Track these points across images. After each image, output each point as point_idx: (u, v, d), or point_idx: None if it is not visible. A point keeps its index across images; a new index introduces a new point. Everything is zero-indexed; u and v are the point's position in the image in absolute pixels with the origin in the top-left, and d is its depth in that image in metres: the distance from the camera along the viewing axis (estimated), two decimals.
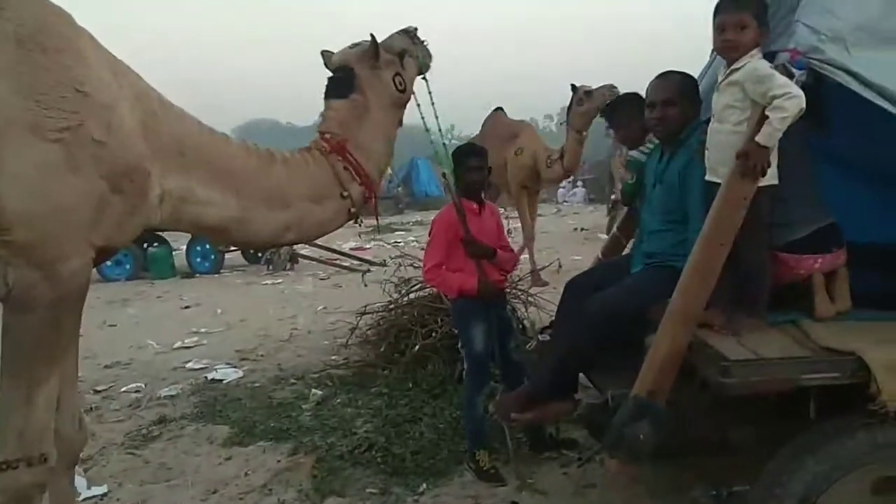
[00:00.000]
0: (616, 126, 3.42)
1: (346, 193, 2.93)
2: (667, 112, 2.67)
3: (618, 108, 3.37)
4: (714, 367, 1.99)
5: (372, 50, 3.01)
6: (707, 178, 2.36)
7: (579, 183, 26.20)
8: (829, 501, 2.00)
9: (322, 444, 4.07)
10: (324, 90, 3.07)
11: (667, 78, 2.76)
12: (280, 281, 10.95)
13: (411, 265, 6.02)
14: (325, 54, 3.15)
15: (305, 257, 11.97)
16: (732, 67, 2.20)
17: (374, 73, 3.04)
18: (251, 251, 12.34)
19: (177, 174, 2.50)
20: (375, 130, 3.07)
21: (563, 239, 13.44)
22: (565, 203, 24.26)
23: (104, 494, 3.62)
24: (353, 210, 3.01)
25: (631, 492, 3.29)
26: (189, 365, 6.10)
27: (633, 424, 2.14)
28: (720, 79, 2.29)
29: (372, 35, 3.03)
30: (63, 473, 2.65)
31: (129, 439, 4.39)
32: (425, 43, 3.23)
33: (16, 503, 2.23)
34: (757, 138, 2.08)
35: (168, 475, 3.85)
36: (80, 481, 3.78)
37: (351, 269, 11.32)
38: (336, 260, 11.84)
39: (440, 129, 3.38)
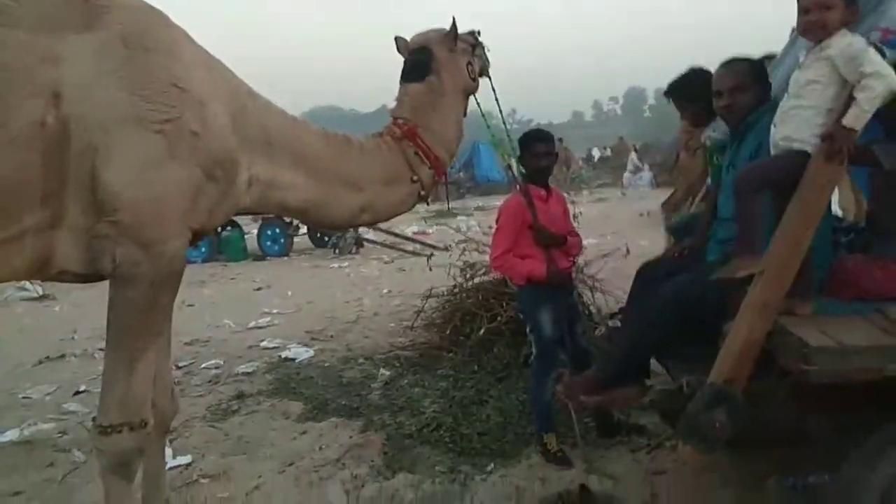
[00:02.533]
0: (682, 107, 3.35)
1: (416, 177, 3.01)
2: (734, 99, 2.62)
3: (683, 88, 3.26)
4: (795, 355, 1.95)
5: (452, 33, 3.07)
6: (777, 149, 2.29)
7: (646, 166, 25.61)
8: None
9: (391, 422, 4.18)
10: (401, 72, 3.13)
11: (731, 65, 2.69)
12: (346, 264, 11.19)
13: (476, 250, 6.06)
14: (399, 40, 3.21)
15: (370, 241, 12.18)
16: (823, 44, 2.12)
17: (451, 56, 3.10)
18: (319, 235, 12.68)
19: (264, 161, 2.64)
20: (447, 114, 3.12)
21: (629, 224, 13.17)
22: (630, 188, 23.74)
23: (189, 464, 3.81)
24: (423, 193, 3.09)
25: (702, 480, 3.27)
26: (263, 344, 6.34)
27: (709, 412, 2.13)
28: (804, 56, 2.21)
29: (453, 18, 3.09)
30: (156, 441, 2.83)
31: (209, 413, 4.62)
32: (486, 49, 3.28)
33: (118, 465, 2.42)
34: (843, 120, 2.01)
35: (246, 448, 4.03)
36: (166, 451, 4.03)
37: (415, 254, 11.44)
38: (400, 244, 11.99)
39: (504, 120, 3.40)
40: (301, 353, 5.89)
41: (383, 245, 12.02)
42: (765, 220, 2.16)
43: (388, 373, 5.11)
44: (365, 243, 12.27)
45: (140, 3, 2.41)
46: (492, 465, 3.54)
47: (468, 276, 5.72)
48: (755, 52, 2.87)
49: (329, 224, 3.01)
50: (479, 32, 3.31)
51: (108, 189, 2.19)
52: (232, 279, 10.52)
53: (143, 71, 2.27)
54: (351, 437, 4.04)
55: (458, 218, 17.58)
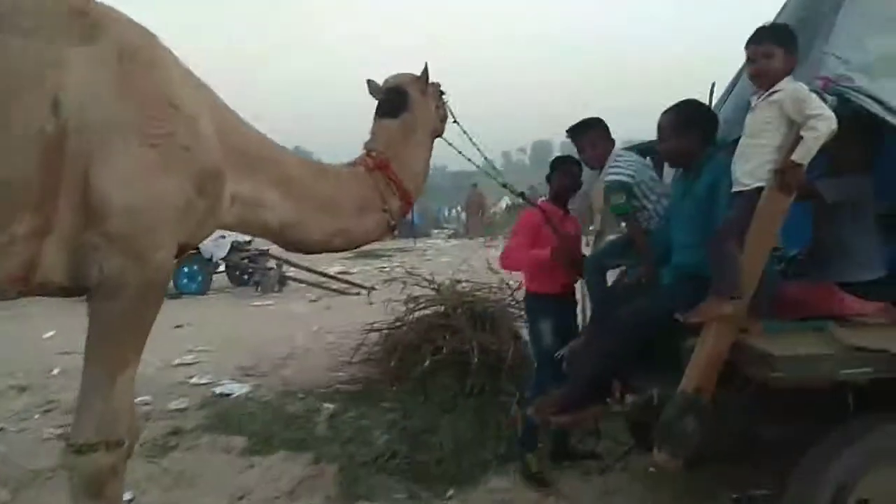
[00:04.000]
0: (582, 148, 3.56)
1: (386, 208, 3.12)
2: (681, 142, 2.88)
3: (585, 131, 3.51)
4: (761, 364, 2.17)
5: (424, 76, 3.24)
6: (733, 189, 2.54)
7: None
8: (864, 487, 2.18)
9: (342, 453, 4.14)
10: (376, 109, 3.26)
11: (675, 111, 2.95)
12: (270, 302, 10.96)
13: (416, 285, 6.15)
14: (371, 82, 3.36)
15: (295, 280, 12.00)
16: (770, 90, 2.42)
17: (423, 99, 3.26)
18: (239, 273, 12.41)
19: (245, 180, 2.68)
20: (417, 151, 3.28)
21: None
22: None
23: (130, 500, 3.63)
24: (392, 223, 3.20)
25: (654, 497, 3.44)
26: (193, 380, 6.11)
27: (681, 419, 2.31)
28: (755, 100, 2.51)
29: (426, 63, 3.26)
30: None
31: (145, 449, 4.38)
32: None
33: (92, 486, 2.33)
34: (793, 157, 2.29)
35: (190, 482, 3.89)
36: None
37: (340, 292, 11.38)
38: (325, 282, 11.88)
39: (485, 158, 3.60)
40: (235, 388, 5.72)
41: (308, 283, 11.86)
42: (736, 262, 2.37)
43: (332, 406, 5.06)
44: (289, 282, 12.08)
45: (134, 22, 2.44)
46: (451, 490, 3.60)
47: (411, 307, 5.78)
48: (662, 100, 3.14)
49: (303, 247, 3.05)
50: (439, 85, 3.48)
51: (101, 197, 2.18)
52: None
53: (139, 86, 2.30)
54: (301, 469, 3.97)
55: (380, 258, 17.65)
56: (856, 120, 2.38)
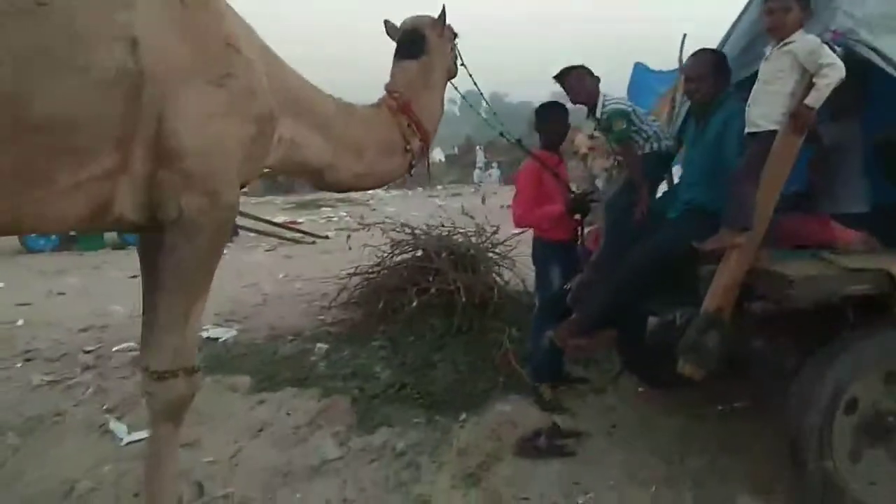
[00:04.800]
0: (570, 86, 3.68)
1: (408, 147, 3.25)
2: (703, 84, 3.16)
3: (570, 71, 3.68)
4: (780, 284, 2.49)
5: (441, 19, 3.33)
6: (747, 130, 2.84)
7: (494, 164, 27.00)
8: (855, 390, 2.57)
9: (347, 388, 4.33)
10: (395, 50, 3.33)
11: (699, 56, 3.25)
12: (224, 253, 10.81)
13: (393, 229, 6.30)
14: (388, 23, 3.42)
15: (247, 230, 11.87)
16: (785, 41, 2.69)
17: (440, 41, 3.36)
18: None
19: (289, 120, 2.76)
20: (434, 93, 3.40)
21: (498, 214, 13.97)
22: (482, 183, 24.91)
23: (144, 439, 3.71)
24: (413, 162, 3.34)
25: (647, 410, 3.83)
26: None
27: (705, 335, 2.62)
28: (769, 50, 2.78)
29: (443, 6, 3.34)
30: None
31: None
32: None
33: (170, 411, 2.46)
34: (806, 101, 2.59)
35: (204, 419, 3.98)
36: (118, 427, 3.90)
37: (295, 241, 11.37)
38: (279, 232, 11.83)
39: (488, 104, 3.75)
40: (221, 332, 5.79)
41: (261, 233, 11.77)
42: (752, 198, 2.66)
43: (325, 346, 5.22)
44: (240, 232, 11.93)
45: None
46: (464, 414, 3.86)
47: (395, 252, 5.94)
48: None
49: (337, 186, 3.16)
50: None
51: (175, 137, 2.23)
52: (96, 268, 9.79)
53: (202, 28, 2.33)
54: (313, 403, 4.14)
55: (322, 209, 17.58)
56: (851, 69, 2.68)
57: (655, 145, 3.52)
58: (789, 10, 2.69)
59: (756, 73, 2.99)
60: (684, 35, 6.36)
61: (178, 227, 2.34)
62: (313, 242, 10.91)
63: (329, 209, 17.33)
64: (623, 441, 3.47)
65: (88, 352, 5.40)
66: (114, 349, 5.44)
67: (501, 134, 4.04)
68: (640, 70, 12.11)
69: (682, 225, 3.13)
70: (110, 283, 8.44)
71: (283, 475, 3.28)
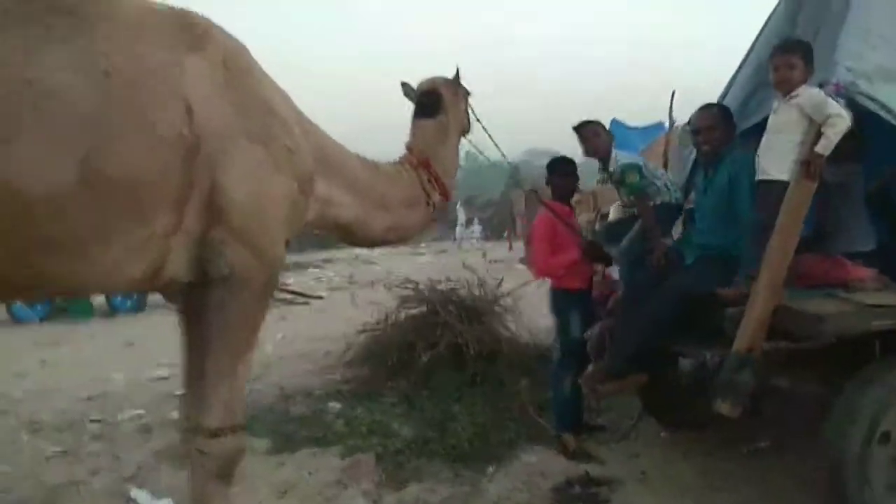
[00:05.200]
0: (586, 138, 3.90)
1: (430, 201, 3.38)
2: (711, 136, 3.35)
3: (587, 125, 3.92)
4: (810, 322, 2.61)
5: (456, 80, 3.52)
6: (759, 177, 3.02)
7: (475, 220, 27.33)
8: (887, 421, 2.67)
9: (369, 445, 4.30)
10: (413, 110, 3.50)
11: (707, 109, 3.46)
12: None
13: (398, 286, 6.37)
14: (406, 85, 3.60)
15: None
16: (791, 95, 2.89)
17: (455, 100, 3.54)
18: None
19: (323, 180, 2.88)
20: (451, 149, 3.57)
21: (488, 268, 14.13)
22: (463, 240, 25.16)
23: None
24: (433, 216, 3.47)
25: (672, 454, 3.87)
26: (179, 391, 6.02)
27: (738, 373, 2.72)
28: (776, 104, 2.98)
29: (457, 67, 3.53)
30: None
31: (165, 457, 4.39)
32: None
33: (223, 468, 2.48)
34: (816, 148, 2.77)
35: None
36: (140, 494, 3.84)
37: (288, 302, 11.35)
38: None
39: (504, 156, 3.91)
40: None
41: None
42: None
43: (338, 405, 5.19)
44: None
45: (227, 33, 2.59)
46: (491, 467, 3.86)
47: (402, 307, 5.99)
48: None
49: (365, 242, 3.27)
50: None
51: (226, 196, 2.32)
52: (91, 336, 9.65)
53: (244, 92, 2.46)
54: (336, 462, 4.11)
55: (310, 270, 17.56)
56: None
57: (666, 196, 3.71)
58: (794, 67, 2.91)
59: (757, 124, 3.19)
60: (673, 91, 6.70)
61: (227, 284, 2.40)
62: (306, 303, 10.90)
63: (317, 269, 17.35)
64: (653, 486, 3.50)
65: (95, 421, 5.30)
66: (120, 417, 5.36)
67: (517, 183, 4.18)
68: (616, 126, 12.64)
69: (701, 269, 3.27)
70: (105, 351, 8.33)
71: None
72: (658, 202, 3.73)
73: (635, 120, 12.79)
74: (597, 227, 5.44)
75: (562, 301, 4.06)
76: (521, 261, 15.35)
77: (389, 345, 5.82)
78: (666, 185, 3.77)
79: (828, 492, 2.75)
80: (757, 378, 2.73)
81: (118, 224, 2.13)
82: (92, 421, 5.31)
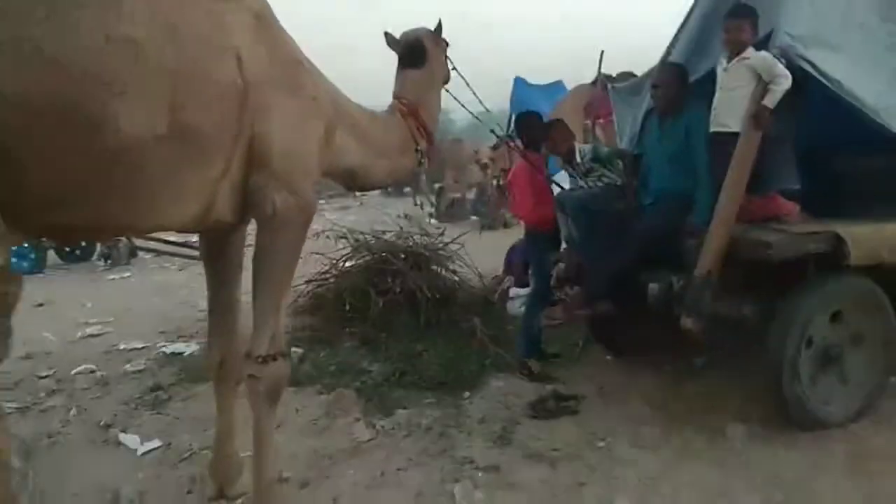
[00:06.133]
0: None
1: (418, 147, 3.63)
2: (670, 91, 3.83)
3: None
4: (760, 248, 3.17)
5: (439, 31, 3.73)
6: (713, 129, 3.54)
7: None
8: (812, 328, 3.30)
9: (344, 383, 4.55)
10: (399, 60, 3.68)
11: (669, 67, 3.94)
12: (128, 275, 10.40)
13: (343, 237, 6.55)
14: (388, 35, 3.77)
15: (146, 249, 11.38)
16: (741, 56, 3.40)
17: (437, 51, 3.75)
18: (68, 250, 11.52)
19: (337, 128, 3.05)
20: (435, 98, 3.80)
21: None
22: (364, 196, 25.01)
23: (167, 445, 3.78)
24: (421, 161, 3.72)
25: (622, 373, 4.44)
26: (122, 346, 5.96)
27: (701, 293, 3.24)
28: (726, 63, 3.49)
29: (439, 20, 3.74)
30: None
31: (140, 404, 4.43)
32: None
33: (273, 391, 2.72)
34: (764, 102, 3.29)
35: (209, 425, 4.05)
36: (130, 438, 3.91)
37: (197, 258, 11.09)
38: (181, 251, 11.43)
39: (481, 101, 4.20)
40: (182, 347, 5.74)
41: (161, 253, 11.32)
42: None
43: (299, 350, 5.36)
44: (139, 253, 11.45)
45: None
46: (466, 393, 4.25)
47: (352, 257, 6.20)
48: None
49: (367, 186, 3.47)
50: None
51: (267, 142, 2.50)
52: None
53: (276, 43, 2.63)
54: (319, 398, 4.34)
55: None
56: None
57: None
58: (743, 31, 3.41)
59: (698, 80, 3.70)
60: (602, 52, 7.20)
61: (270, 224, 2.60)
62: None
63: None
64: (613, 398, 4.06)
65: (44, 377, 5.18)
66: (72, 372, 5.26)
67: (492, 131, 4.52)
68: (520, 84, 13.17)
69: (661, 209, 3.78)
70: (18, 312, 7.90)
71: (328, 457, 3.50)
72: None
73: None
74: None
75: (536, 241, 4.49)
76: (431, 215, 15.75)
77: (340, 293, 6.02)
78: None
79: (768, 388, 3.36)
80: (716, 297, 3.26)
81: (187, 169, 2.27)
82: (41, 377, 5.18)
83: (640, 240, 3.67)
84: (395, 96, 3.66)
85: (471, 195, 16.60)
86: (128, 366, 5.31)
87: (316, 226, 7.47)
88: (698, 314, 3.27)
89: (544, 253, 4.45)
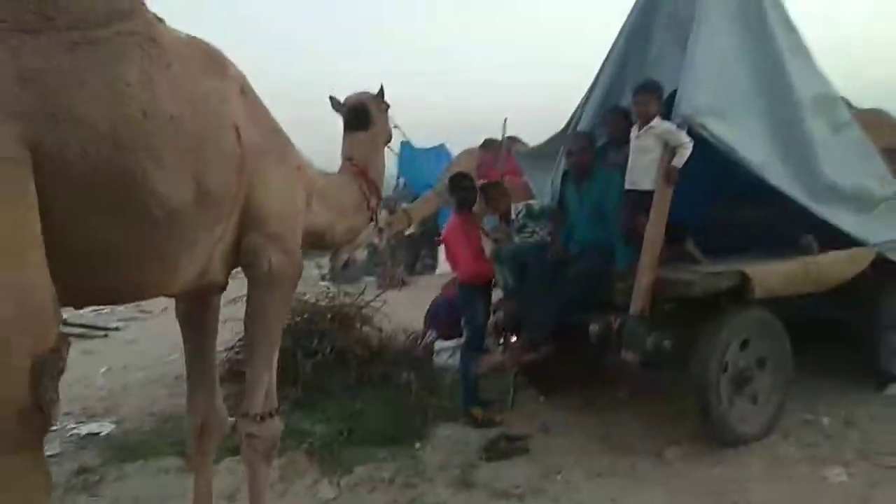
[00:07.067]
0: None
1: (370, 204, 3.86)
2: (583, 157, 4.35)
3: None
4: (685, 285, 3.65)
5: (381, 95, 4.01)
6: (628, 187, 4.05)
7: None
8: (729, 355, 3.81)
9: (289, 446, 4.52)
10: (344, 123, 3.88)
11: (579, 136, 4.47)
12: None
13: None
14: (333, 99, 3.99)
15: None
16: (648, 126, 3.96)
17: (381, 114, 4.01)
18: None
19: (311, 193, 3.24)
20: (380, 157, 4.05)
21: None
22: None
23: None
24: (372, 218, 3.95)
25: (559, 411, 4.77)
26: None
27: (637, 329, 3.67)
28: (637, 132, 4.04)
29: (381, 84, 4.02)
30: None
31: (69, 488, 4.16)
32: None
33: (269, 448, 2.83)
34: (674, 163, 3.85)
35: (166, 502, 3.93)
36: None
37: (83, 336, 10.39)
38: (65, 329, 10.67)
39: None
40: (97, 427, 5.40)
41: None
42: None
43: (231, 419, 5.23)
44: None
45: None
46: (417, 443, 4.39)
47: None
48: None
49: (330, 245, 3.61)
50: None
51: (263, 206, 2.67)
52: None
53: (259, 115, 2.82)
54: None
55: None
56: None
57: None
58: (650, 104, 3.99)
59: (602, 145, 4.26)
60: (505, 119, 7.80)
61: (264, 282, 2.73)
62: (105, 335, 10.11)
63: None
64: (559, 434, 4.38)
65: None
66: None
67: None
68: (406, 147, 13.74)
69: (588, 256, 4.24)
70: None
71: None
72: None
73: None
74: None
75: (471, 294, 4.77)
76: (324, 277, 15.65)
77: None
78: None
79: (695, 411, 3.83)
80: (649, 332, 3.70)
81: (202, 232, 2.37)
82: None
83: (572, 287, 4.08)
84: (346, 158, 3.87)
85: (362, 255, 16.70)
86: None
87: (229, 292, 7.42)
88: (636, 348, 3.69)
89: (477, 304, 4.75)
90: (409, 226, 11.30)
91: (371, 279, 15.05)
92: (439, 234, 14.22)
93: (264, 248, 2.66)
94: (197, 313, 3.02)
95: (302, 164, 2.99)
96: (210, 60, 2.58)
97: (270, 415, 2.74)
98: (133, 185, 2.01)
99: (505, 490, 3.63)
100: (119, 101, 1.97)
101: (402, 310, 7.41)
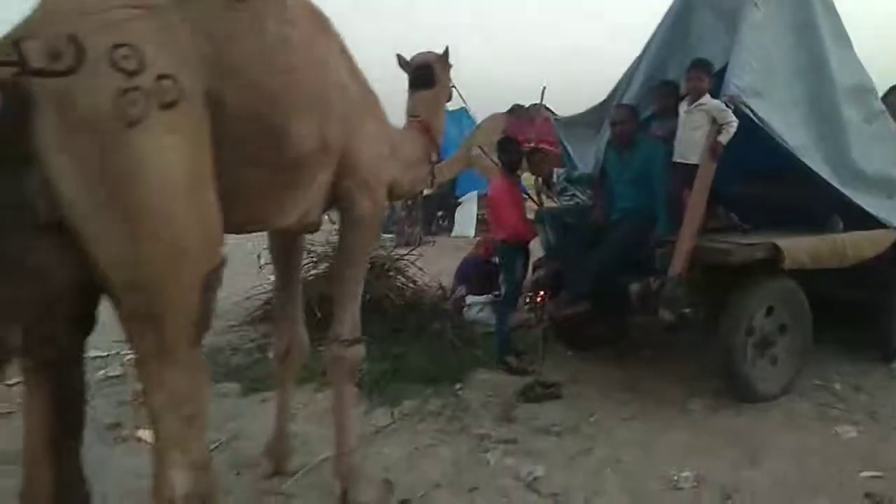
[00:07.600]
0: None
1: (432, 159, 4.14)
2: (626, 127, 4.62)
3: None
4: (722, 254, 3.97)
5: (446, 56, 4.25)
6: (676, 159, 4.34)
7: None
8: (755, 320, 4.15)
9: None
10: (410, 82, 4.13)
11: (622, 107, 4.72)
12: None
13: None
14: (401, 57, 4.23)
15: None
16: (699, 102, 4.23)
17: (445, 73, 4.26)
18: None
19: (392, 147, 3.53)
20: (442, 115, 4.30)
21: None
22: None
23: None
24: (433, 172, 4.24)
25: (588, 363, 5.13)
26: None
27: (675, 291, 3.99)
28: (687, 107, 4.31)
29: (446, 46, 4.26)
30: None
31: (124, 412, 4.46)
32: None
33: (354, 371, 3.15)
34: (719, 138, 4.13)
35: (227, 421, 4.24)
36: (148, 433, 4.02)
37: None
38: None
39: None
40: None
41: None
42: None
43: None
44: None
45: None
46: (459, 385, 4.75)
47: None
48: None
49: (397, 195, 3.91)
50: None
51: (359, 157, 2.94)
52: None
53: (356, 72, 3.07)
54: (319, 395, 4.64)
55: None
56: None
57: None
58: (703, 80, 4.25)
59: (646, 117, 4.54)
60: (544, 87, 8.02)
61: (356, 224, 3.03)
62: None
63: None
64: (587, 383, 4.74)
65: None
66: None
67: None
68: None
69: (628, 222, 4.55)
70: None
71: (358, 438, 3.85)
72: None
73: None
74: None
75: (512, 253, 5.10)
76: None
77: (307, 302, 6.22)
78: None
79: (719, 368, 4.19)
80: (686, 294, 4.03)
81: (314, 178, 2.66)
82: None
83: (613, 249, 4.41)
84: (411, 115, 4.14)
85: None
86: (101, 373, 5.30)
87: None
88: (673, 308, 4.02)
89: (517, 262, 5.08)
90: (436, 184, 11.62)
91: (387, 237, 15.44)
92: (455, 197, 14.55)
93: (358, 193, 2.96)
94: (287, 250, 3.33)
95: (385, 120, 3.27)
96: (317, 19, 2.82)
97: (357, 340, 3.06)
98: (278, 133, 2.29)
99: (544, 427, 4.00)
100: (269, 57, 2.24)
101: (425, 266, 7.76)
